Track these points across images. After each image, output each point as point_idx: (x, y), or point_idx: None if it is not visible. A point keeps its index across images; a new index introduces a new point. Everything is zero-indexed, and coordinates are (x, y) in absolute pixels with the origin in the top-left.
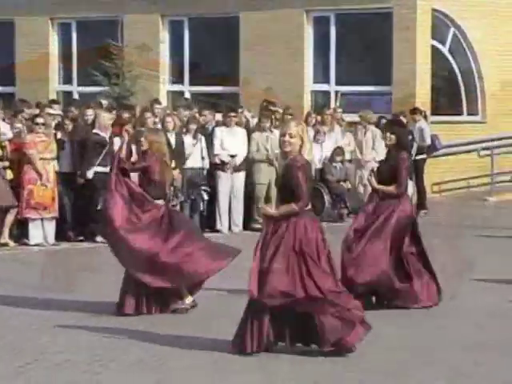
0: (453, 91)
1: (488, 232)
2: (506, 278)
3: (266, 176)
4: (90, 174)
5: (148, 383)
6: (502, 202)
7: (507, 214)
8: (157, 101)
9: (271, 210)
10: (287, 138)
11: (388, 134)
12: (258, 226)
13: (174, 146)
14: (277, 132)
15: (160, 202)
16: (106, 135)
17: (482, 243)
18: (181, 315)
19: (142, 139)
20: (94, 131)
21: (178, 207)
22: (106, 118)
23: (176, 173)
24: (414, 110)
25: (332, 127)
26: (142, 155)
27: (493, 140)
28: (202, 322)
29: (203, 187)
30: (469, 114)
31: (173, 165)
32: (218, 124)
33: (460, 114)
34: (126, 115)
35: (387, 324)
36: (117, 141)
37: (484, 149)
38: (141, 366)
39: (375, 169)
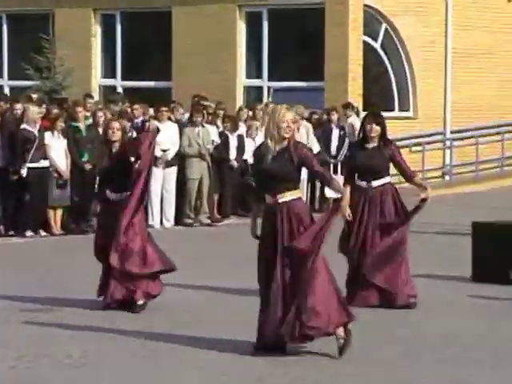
0: (385, 87)
1: (421, 228)
2: (450, 275)
3: (198, 171)
4: (24, 172)
5: (76, 379)
6: (433, 198)
7: (439, 210)
8: (89, 95)
9: (343, 201)
10: (290, 123)
11: (373, 126)
12: (190, 221)
13: None
14: (209, 127)
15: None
16: (34, 130)
17: (416, 239)
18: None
19: (115, 129)
20: (22, 127)
21: None
22: (35, 111)
23: None
24: (347, 106)
25: (264, 122)
26: (110, 144)
27: (424, 136)
28: (139, 318)
29: None
30: (400, 110)
31: None
32: (149, 118)
33: (392, 109)
34: (55, 110)
35: None
36: (48, 135)
37: (415, 145)
38: (71, 361)
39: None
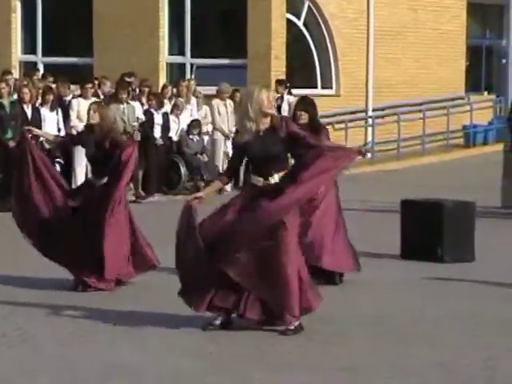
0: (307, 65)
1: (346, 205)
2: (378, 252)
3: None
4: None
5: (12, 358)
6: (357, 175)
7: (362, 187)
8: (8, 71)
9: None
10: (270, 99)
11: (302, 113)
12: None
13: (30, 118)
14: (134, 103)
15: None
16: None
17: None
18: None
19: (91, 112)
20: None
21: None
22: None
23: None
24: (279, 82)
25: (188, 99)
26: (86, 129)
27: (346, 113)
28: (74, 296)
29: (57, 159)
30: (323, 88)
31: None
32: (74, 96)
33: (314, 87)
34: None
35: None
36: None
37: (338, 122)
38: (6, 339)
39: None
